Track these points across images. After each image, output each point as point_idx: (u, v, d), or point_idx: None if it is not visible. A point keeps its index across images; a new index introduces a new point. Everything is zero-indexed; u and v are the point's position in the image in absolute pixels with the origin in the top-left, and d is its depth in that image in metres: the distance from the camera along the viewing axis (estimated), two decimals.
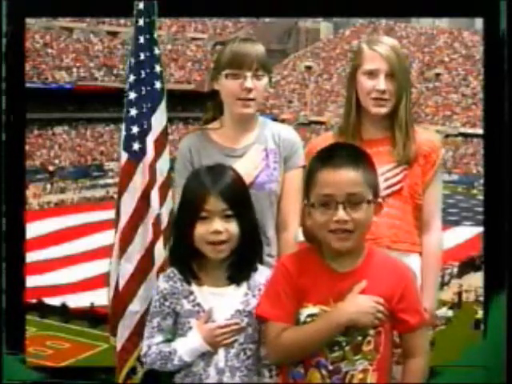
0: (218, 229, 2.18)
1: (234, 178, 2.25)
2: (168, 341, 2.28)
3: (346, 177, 2.11)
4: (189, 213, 2.22)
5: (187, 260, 2.26)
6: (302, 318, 2.16)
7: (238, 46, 2.61)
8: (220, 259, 2.24)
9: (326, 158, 2.17)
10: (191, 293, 2.26)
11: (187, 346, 2.23)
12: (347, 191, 2.10)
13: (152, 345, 2.28)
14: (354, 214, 2.10)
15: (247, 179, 2.58)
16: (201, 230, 2.19)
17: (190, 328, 2.24)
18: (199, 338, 2.22)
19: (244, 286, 2.27)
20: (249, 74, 2.58)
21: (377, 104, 2.68)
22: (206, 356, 2.23)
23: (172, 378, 2.33)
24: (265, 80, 2.63)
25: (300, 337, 2.14)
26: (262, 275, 2.29)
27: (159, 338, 2.28)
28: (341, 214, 2.09)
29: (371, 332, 2.14)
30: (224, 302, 2.24)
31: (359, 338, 2.14)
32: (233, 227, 2.20)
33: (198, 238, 2.20)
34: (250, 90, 2.58)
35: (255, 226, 2.30)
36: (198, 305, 2.25)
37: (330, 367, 2.15)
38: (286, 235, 2.67)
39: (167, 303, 2.27)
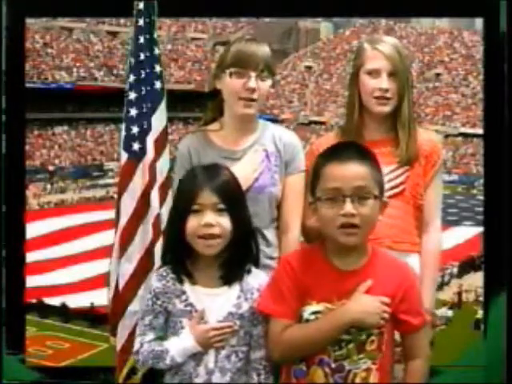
0: (209, 221, 2.17)
1: (228, 177, 2.26)
2: (160, 338, 2.28)
3: (353, 170, 2.11)
4: (181, 206, 2.22)
5: (180, 258, 2.26)
6: (306, 315, 2.16)
7: (245, 45, 2.59)
8: (212, 256, 2.23)
9: (332, 153, 2.18)
10: (183, 292, 2.25)
11: (179, 346, 2.23)
12: (355, 185, 2.09)
13: (144, 342, 2.28)
14: (361, 209, 2.09)
15: (247, 182, 2.57)
16: (193, 223, 2.19)
17: (182, 327, 2.24)
18: (191, 339, 2.21)
19: (237, 287, 2.26)
20: (253, 74, 2.57)
21: (379, 103, 2.69)
22: (197, 356, 2.23)
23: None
24: (268, 82, 2.62)
25: (304, 334, 2.14)
26: (256, 279, 2.28)
27: (151, 335, 2.28)
28: (348, 207, 2.08)
29: (375, 332, 2.14)
30: (216, 303, 2.24)
31: (363, 337, 2.14)
32: (225, 221, 2.19)
33: (190, 232, 2.20)
34: (253, 91, 2.57)
35: (249, 224, 2.29)
36: (191, 305, 2.24)
37: (333, 365, 2.15)
38: (288, 238, 2.66)
39: (159, 302, 2.27)
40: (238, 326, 2.24)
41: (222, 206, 2.19)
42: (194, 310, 2.24)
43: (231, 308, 2.24)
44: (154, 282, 2.30)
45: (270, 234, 2.67)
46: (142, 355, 2.28)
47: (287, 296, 2.17)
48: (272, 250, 2.66)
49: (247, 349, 2.26)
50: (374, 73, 2.68)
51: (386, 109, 2.70)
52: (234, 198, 2.23)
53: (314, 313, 2.15)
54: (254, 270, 2.30)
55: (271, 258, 2.63)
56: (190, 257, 2.26)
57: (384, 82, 2.67)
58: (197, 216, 2.19)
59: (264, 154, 2.67)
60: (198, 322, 2.22)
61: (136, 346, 2.31)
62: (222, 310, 2.24)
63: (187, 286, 2.26)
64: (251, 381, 2.25)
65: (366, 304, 2.12)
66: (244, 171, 2.57)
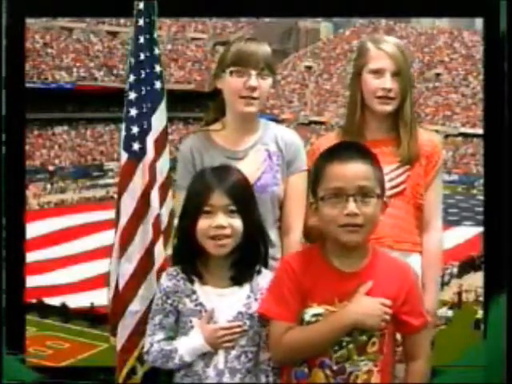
0: (221, 223, 2.18)
1: (238, 178, 2.26)
2: (170, 338, 2.28)
3: (356, 170, 2.11)
4: (193, 208, 2.22)
5: (191, 258, 2.26)
6: (307, 317, 2.15)
7: (245, 44, 2.60)
8: (222, 256, 2.23)
9: (334, 153, 2.17)
10: (194, 292, 2.25)
11: (188, 345, 2.23)
12: (358, 184, 2.09)
13: (154, 342, 2.28)
14: (364, 208, 2.09)
15: (251, 181, 2.57)
16: (204, 224, 2.19)
17: (192, 327, 2.24)
18: (201, 338, 2.21)
19: (247, 288, 2.26)
20: (254, 72, 2.57)
21: (382, 102, 2.69)
22: (206, 356, 2.23)
23: (172, 377, 2.33)
24: (269, 80, 2.62)
25: (305, 337, 2.13)
26: (265, 279, 2.28)
27: (161, 335, 2.28)
28: (351, 207, 2.08)
29: (376, 333, 2.14)
30: (226, 303, 2.24)
31: (364, 339, 2.13)
32: (236, 223, 2.20)
33: (201, 233, 2.20)
34: (254, 89, 2.57)
35: (259, 225, 2.29)
36: (200, 304, 2.25)
37: (335, 367, 2.14)
38: (290, 239, 2.66)
39: (169, 301, 2.27)
40: (248, 327, 2.24)
41: (233, 207, 2.20)
42: (203, 310, 2.24)
43: (241, 308, 2.24)
44: (164, 281, 2.30)
45: (273, 234, 2.66)
46: (151, 355, 2.28)
47: (288, 298, 2.16)
48: (275, 250, 2.64)
49: (257, 349, 2.25)
50: (377, 72, 2.68)
51: (389, 108, 2.70)
52: (245, 200, 2.23)
53: (315, 315, 2.15)
54: (263, 270, 2.31)
55: (274, 259, 2.63)
56: (200, 257, 2.26)
57: (388, 81, 2.67)
58: (208, 217, 2.19)
59: (266, 154, 2.67)
60: (207, 321, 2.22)
61: (146, 346, 2.31)
62: (231, 310, 2.24)
63: (197, 286, 2.26)
64: (260, 382, 2.24)
65: (366, 306, 2.11)
66: (247, 170, 2.57)
